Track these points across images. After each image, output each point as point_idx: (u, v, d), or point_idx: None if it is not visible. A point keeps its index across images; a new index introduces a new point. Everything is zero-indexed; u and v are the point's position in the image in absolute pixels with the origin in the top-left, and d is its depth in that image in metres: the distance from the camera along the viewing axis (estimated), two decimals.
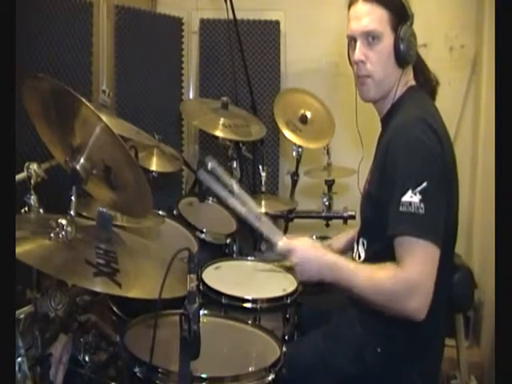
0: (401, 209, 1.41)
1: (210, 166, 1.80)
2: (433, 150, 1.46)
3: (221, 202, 2.54)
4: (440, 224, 1.44)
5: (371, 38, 1.57)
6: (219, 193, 1.69)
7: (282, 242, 1.61)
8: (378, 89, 1.61)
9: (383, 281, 1.43)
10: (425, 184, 1.41)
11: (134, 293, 1.32)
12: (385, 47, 1.57)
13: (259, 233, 1.71)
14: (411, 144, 1.47)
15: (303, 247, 1.58)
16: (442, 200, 1.45)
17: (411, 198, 1.41)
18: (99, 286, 1.22)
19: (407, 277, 1.40)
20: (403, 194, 1.42)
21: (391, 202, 1.46)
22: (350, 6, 1.62)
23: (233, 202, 1.70)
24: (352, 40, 1.62)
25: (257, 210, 1.75)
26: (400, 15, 1.57)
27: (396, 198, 1.43)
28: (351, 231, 1.95)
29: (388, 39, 1.56)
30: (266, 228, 1.69)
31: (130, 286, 1.29)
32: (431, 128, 1.49)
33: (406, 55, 1.57)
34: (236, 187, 1.77)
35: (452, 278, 1.64)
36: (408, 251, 1.41)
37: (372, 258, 1.60)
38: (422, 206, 1.40)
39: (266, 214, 2.66)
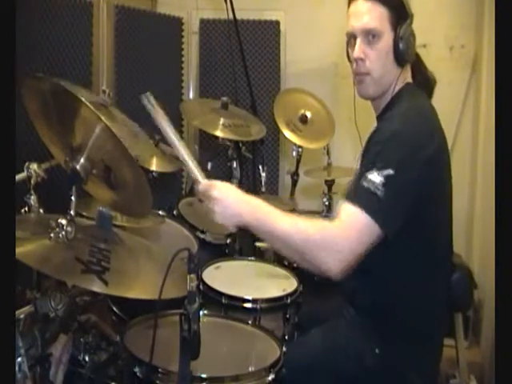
0: (362, 183, 1.41)
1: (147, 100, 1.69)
2: (413, 143, 1.45)
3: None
4: (396, 214, 1.42)
5: (371, 35, 1.57)
6: (164, 127, 1.58)
7: (203, 181, 1.50)
8: (376, 87, 1.61)
9: (307, 227, 1.40)
10: (391, 171, 1.40)
11: (133, 293, 1.32)
12: (384, 45, 1.57)
13: (186, 170, 1.57)
14: (394, 132, 1.47)
15: (225, 185, 1.49)
16: (406, 193, 1.43)
17: (374, 177, 1.40)
18: (85, 283, 1.23)
19: (333, 233, 1.39)
20: (369, 170, 1.42)
21: (358, 175, 1.46)
22: (349, 3, 1.62)
23: (172, 137, 1.55)
24: (351, 37, 1.62)
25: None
26: (400, 14, 1.57)
27: (362, 172, 1.44)
28: None
29: (387, 37, 1.56)
30: (194, 167, 1.54)
31: (121, 284, 1.29)
32: (422, 124, 1.49)
33: (405, 54, 1.57)
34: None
35: (451, 278, 1.64)
36: (348, 216, 1.40)
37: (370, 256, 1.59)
38: (383, 189, 1.39)
39: None
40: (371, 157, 1.46)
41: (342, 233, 1.39)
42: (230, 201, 1.45)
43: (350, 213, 1.40)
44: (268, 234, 1.44)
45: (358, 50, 1.58)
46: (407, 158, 1.44)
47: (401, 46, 1.56)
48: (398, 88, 1.61)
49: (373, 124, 1.75)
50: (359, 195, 1.41)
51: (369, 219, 1.38)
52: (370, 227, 1.39)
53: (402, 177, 1.41)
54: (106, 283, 1.23)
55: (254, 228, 1.44)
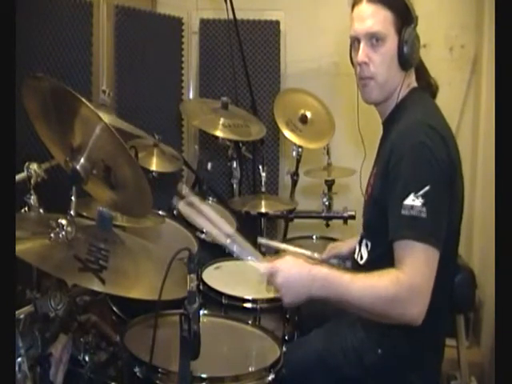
0: (402, 212, 1.40)
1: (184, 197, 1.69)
2: (436, 153, 1.45)
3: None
4: (442, 227, 1.43)
5: (375, 39, 1.56)
6: (201, 225, 1.61)
7: (264, 268, 1.50)
8: (380, 91, 1.60)
9: (386, 287, 1.39)
10: (427, 188, 1.40)
11: (133, 292, 1.32)
12: (388, 49, 1.56)
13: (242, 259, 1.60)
14: (414, 148, 1.46)
15: (285, 267, 1.47)
16: (444, 203, 1.45)
17: (413, 201, 1.40)
18: (83, 282, 1.24)
19: (410, 281, 1.38)
20: (405, 197, 1.41)
21: (392, 206, 1.45)
22: (353, 6, 1.61)
23: (216, 233, 1.60)
24: (355, 41, 1.61)
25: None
26: (404, 17, 1.56)
27: (397, 202, 1.42)
28: (356, 239, 1.92)
29: (392, 41, 1.56)
30: (247, 254, 1.59)
31: (120, 283, 1.29)
32: (435, 131, 1.48)
33: (409, 58, 1.56)
34: (213, 215, 1.65)
35: (454, 279, 1.63)
36: (410, 255, 1.40)
37: (375, 260, 1.59)
38: (424, 209, 1.39)
39: (267, 214, 2.68)
40: (402, 180, 1.44)
41: (415, 277, 1.38)
42: (295, 284, 1.44)
43: (408, 251, 1.40)
44: (342, 303, 1.45)
45: (362, 53, 1.57)
46: (435, 169, 1.44)
47: (405, 49, 1.55)
48: (403, 93, 1.61)
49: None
50: (406, 226, 1.40)
51: (426, 247, 1.39)
52: (431, 253, 1.40)
53: (438, 188, 1.42)
54: (103, 281, 1.23)
55: (325, 299, 1.45)
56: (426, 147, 1.45)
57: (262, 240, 2.21)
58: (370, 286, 1.41)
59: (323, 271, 1.46)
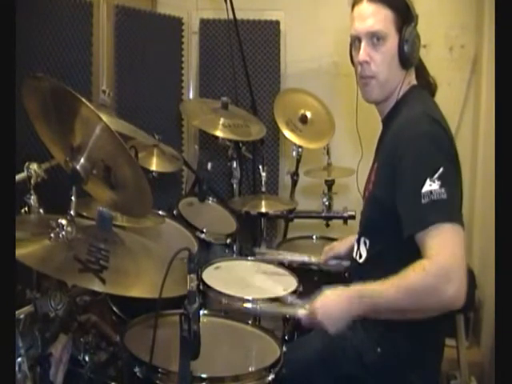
0: (423, 201, 1.39)
1: None
2: (441, 138, 1.47)
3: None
4: (459, 205, 1.46)
5: (376, 38, 1.56)
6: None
7: (303, 313, 1.53)
8: (381, 90, 1.60)
9: (415, 281, 1.38)
10: (441, 169, 1.40)
11: (133, 292, 1.32)
12: (389, 48, 1.56)
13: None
14: (420, 136, 1.47)
15: (321, 301, 1.49)
16: (457, 182, 1.48)
17: (430, 186, 1.39)
18: (84, 282, 1.24)
19: (439, 265, 1.36)
20: (422, 185, 1.40)
21: (407, 199, 1.44)
22: (353, 5, 1.62)
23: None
24: (356, 40, 1.61)
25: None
26: (405, 16, 1.56)
27: (413, 193, 1.41)
28: (352, 237, 1.91)
29: (393, 40, 1.56)
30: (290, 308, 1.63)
31: (120, 283, 1.29)
32: (436, 121, 1.50)
33: (410, 57, 1.57)
34: None
35: None
36: (437, 238, 1.38)
37: (374, 257, 1.60)
38: (443, 190, 1.39)
39: (267, 214, 2.68)
40: (412, 172, 1.44)
41: (442, 260, 1.36)
42: (335, 314, 1.46)
43: (434, 235, 1.38)
44: (383, 313, 1.44)
45: (363, 53, 1.57)
46: (444, 151, 1.45)
47: (406, 48, 1.55)
48: (403, 91, 1.61)
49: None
50: (429, 214, 1.40)
51: (452, 226, 1.39)
52: (456, 232, 1.40)
53: (450, 169, 1.43)
54: (103, 281, 1.23)
55: (367, 315, 1.44)
56: (430, 134, 1.46)
57: (258, 250, 2.22)
58: (400, 286, 1.40)
59: (356, 290, 1.47)
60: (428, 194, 1.39)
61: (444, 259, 1.36)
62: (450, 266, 1.36)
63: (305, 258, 2.07)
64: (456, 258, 1.37)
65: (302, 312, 1.53)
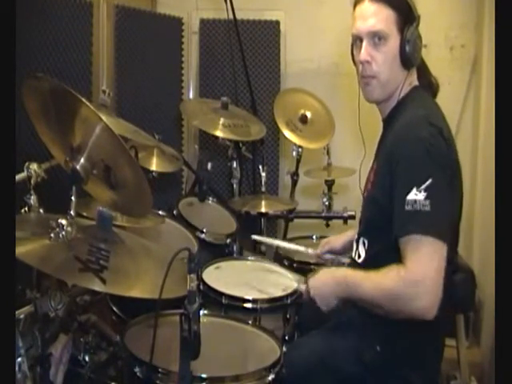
0: (406, 208, 1.40)
1: None
2: (437, 147, 1.46)
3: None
4: (446, 219, 1.44)
5: (377, 38, 1.56)
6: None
7: (301, 287, 1.70)
8: (382, 90, 1.60)
9: (388, 284, 1.42)
10: (429, 181, 1.40)
11: (133, 292, 1.32)
12: (391, 48, 1.56)
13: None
14: (415, 142, 1.46)
15: (314, 279, 1.63)
16: (447, 195, 1.45)
17: (416, 195, 1.40)
18: (84, 282, 1.24)
19: (411, 278, 1.39)
20: (408, 192, 1.41)
21: (396, 203, 1.45)
22: (355, 5, 1.61)
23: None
24: (357, 39, 1.61)
25: None
26: (406, 16, 1.56)
27: (401, 198, 1.42)
28: (349, 233, 1.94)
29: (394, 40, 1.56)
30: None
31: (120, 283, 1.29)
32: (435, 127, 1.49)
33: (411, 57, 1.57)
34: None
35: (454, 278, 1.63)
36: (414, 250, 1.40)
37: (373, 257, 1.60)
38: (428, 202, 1.39)
39: (267, 214, 2.69)
40: (404, 176, 1.45)
41: (417, 272, 1.38)
42: (324, 292, 1.59)
43: (412, 246, 1.40)
44: (360, 301, 1.53)
45: (365, 52, 1.57)
46: (436, 162, 1.44)
47: (407, 48, 1.55)
48: (404, 91, 1.61)
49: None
50: (410, 222, 1.41)
51: (431, 240, 1.39)
52: (436, 246, 1.40)
53: (440, 181, 1.42)
54: (103, 281, 1.23)
55: (348, 299, 1.56)
56: (425, 141, 1.45)
57: (255, 237, 2.23)
58: (377, 285, 1.46)
59: (343, 275, 1.58)
60: (412, 202, 1.40)
61: (416, 274, 1.39)
62: (422, 281, 1.38)
63: (302, 249, 2.08)
64: (429, 273, 1.38)
65: (302, 287, 1.68)
